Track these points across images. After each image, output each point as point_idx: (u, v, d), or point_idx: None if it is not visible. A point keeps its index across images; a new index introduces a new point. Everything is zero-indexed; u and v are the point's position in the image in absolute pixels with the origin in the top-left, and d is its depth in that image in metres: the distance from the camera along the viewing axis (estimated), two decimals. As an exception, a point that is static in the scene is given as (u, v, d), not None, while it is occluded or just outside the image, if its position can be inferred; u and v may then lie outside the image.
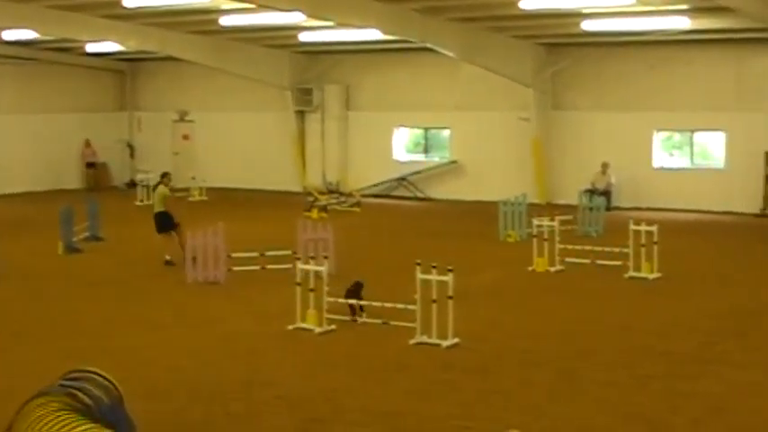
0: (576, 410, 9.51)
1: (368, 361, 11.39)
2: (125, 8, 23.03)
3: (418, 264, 12.24)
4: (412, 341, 11.98)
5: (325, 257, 14.45)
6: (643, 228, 16.46)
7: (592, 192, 24.54)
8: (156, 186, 19.51)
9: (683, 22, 22.39)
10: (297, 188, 30.77)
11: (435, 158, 29.88)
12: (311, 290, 12.75)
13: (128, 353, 11.63)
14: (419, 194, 29.18)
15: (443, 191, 28.91)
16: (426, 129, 30.33)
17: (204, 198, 29.54)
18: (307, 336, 12.55)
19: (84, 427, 5.38)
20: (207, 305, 14.65)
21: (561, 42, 26.71)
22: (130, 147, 34.95)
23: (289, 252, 16.48)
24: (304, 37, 26.91)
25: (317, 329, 12.62)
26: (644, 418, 9.22)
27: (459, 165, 28.99)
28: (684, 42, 24.93)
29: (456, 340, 11.87)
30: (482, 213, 24.09)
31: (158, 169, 22.60)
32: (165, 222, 18.32)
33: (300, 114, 31.24)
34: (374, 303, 13.07)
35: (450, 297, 11.76)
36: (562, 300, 14.93)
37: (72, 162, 33.23)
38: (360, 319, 13.07)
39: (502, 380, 10.58)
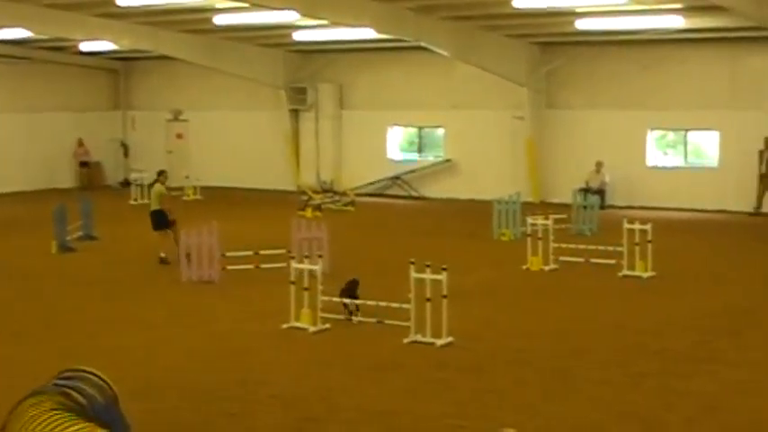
0: (570, 409, 9.52)
1: (362, 360, 11.39)
2: (119, 7, 23.03)
3: (412, 263, 12.25)
4: (406, 340, 11.99)
5: (320, 256, 14.41)
6: (637, 226, 16.49)
7: (586, 190, 24.55)
8: (152, 184, 19.49)
9: (677, 21, 22.42)
10: (291, 187, 30.75)
11: (429, 157, 29.88)
12: (305, 289, 12.76)
13: (122, 352, 11.61)
14: (413, 193, 29.17)
15: (437, 190, 28.90)
16: (420, 128, 30.33)
17: (198, 197, 29.51)
18: (301, 335, 12.55)
19: (77, 427, 5.35)
20: (201, 304, 14.63)
21: (555, 41, 26.72)
22: (124, 146, 34.88)
23: (283, 251, 16.45)
24: (298, 36, 26.89)
25: (312, 328, 12.62)
26: (638, 417, 9.23)
27: (454, 163, 29.00)
28: (678, 41, 24.97)
29: (450, 339, 11.88)
30: (476, 212, 24.10)
31: (152, 168, 22.62)
32: (161, 220, 18.34)
33: (294, 113, 31.23)
34: (368, 302, 13.07)
35: (445, 296, 11.77)
36: (556, 298, 14.94)
37: (65, 161, 33.17)
38: (355, 319, 13.08)
39: (496, 378, 10.58)
